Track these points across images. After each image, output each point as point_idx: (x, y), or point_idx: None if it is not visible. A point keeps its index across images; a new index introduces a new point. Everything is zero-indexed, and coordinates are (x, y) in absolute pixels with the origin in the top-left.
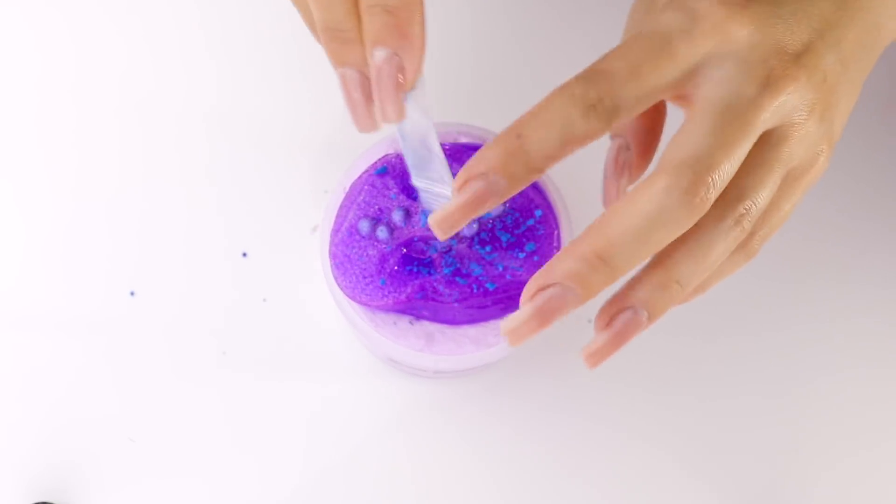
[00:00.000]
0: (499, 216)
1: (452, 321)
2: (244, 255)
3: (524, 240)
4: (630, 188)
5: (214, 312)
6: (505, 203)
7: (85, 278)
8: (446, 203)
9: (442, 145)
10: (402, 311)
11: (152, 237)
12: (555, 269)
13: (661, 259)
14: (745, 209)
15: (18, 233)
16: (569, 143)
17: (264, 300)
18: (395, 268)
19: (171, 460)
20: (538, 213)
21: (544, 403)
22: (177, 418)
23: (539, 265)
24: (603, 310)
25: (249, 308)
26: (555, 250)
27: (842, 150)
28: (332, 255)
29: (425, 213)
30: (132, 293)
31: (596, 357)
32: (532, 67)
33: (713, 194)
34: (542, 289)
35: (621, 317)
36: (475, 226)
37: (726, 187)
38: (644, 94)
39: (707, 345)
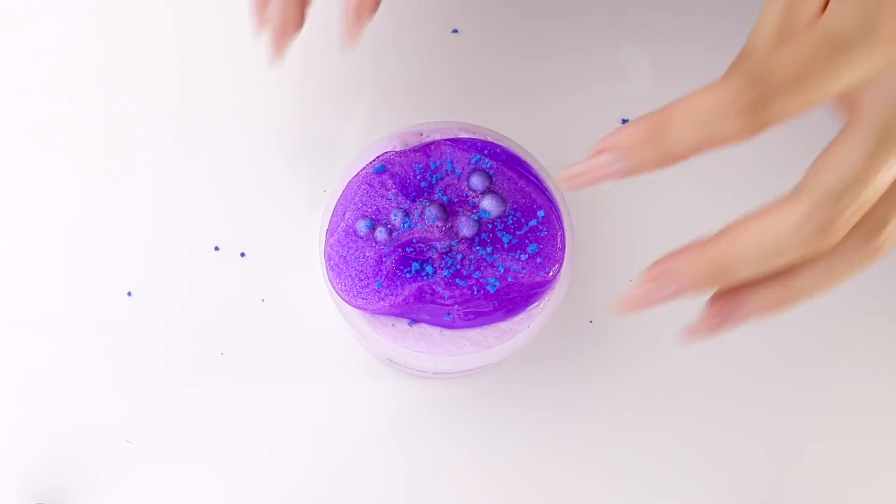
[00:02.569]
0: (500, 216)
1: (452, 325)
2: (243, 255)
3: (526, 241)
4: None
5: (212, 313)
6: (506, 203)
7: (82, 279)
8: (577, 164)
9: (443, 141)
10: (400, 315)
11: (149, 237)
12: (673, 264)
13: (786, 274)
14: (886, 237)
15: (16, 233)
16: (714, 142)
17: (263, 300)
18: (394, 270)
19: (169, 462)
20: (541, 213)
21: (544, 405)
22: (174, 419)
23: (542, 267)
24: (719, 298)
25: (248, 308)
26: (559, 252)
27: None
28: (328, 257)
29: (427, 214)
30: (129, 293)
31: (698, 334)
32: (529, 65)
33: (854, 222)
34: (657, 278)
35: (734, 312)
36: (475, 226)
37: (869, 210)
38: (809, 101)
39: (706, 345)
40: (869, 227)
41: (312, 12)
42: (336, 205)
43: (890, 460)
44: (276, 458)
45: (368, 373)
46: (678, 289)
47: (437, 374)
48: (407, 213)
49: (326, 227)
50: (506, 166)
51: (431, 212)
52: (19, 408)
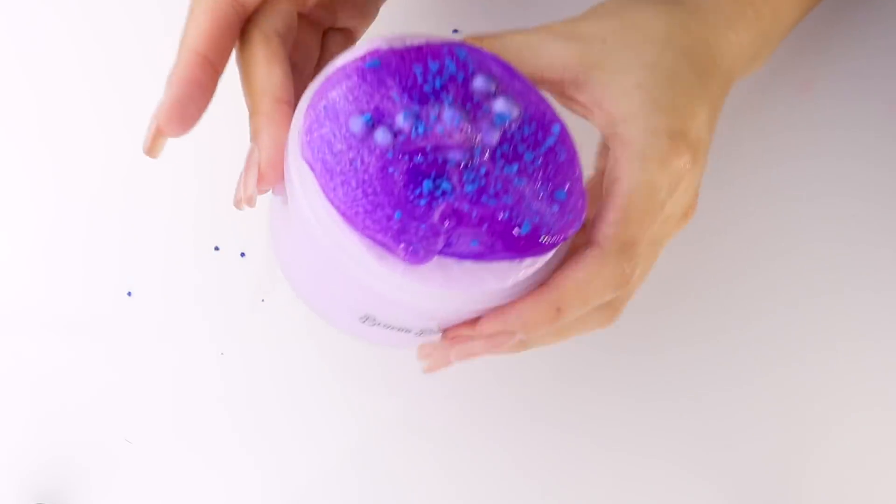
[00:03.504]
0: (515, 121)
1: (478, 254)
2: (243, 255)
3: (551, 175)
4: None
5: (213, 313)
6: (519, 106)
7: (82, 279)
8: (469, 330)
9: (438, 43)
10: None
11: (150, 237)
12: (515, 314)
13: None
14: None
15: (16, 233)
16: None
17: (263, 300)
18: (403, 188)
19: (169, 461)
20: (556, 128)
21: (542, 404)
22: (174, 419)
23: (570, 213)
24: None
25: (248, 308)
26: (581, 194)
27: (843, 150)
28: (310, 153)
29: (445, 116)
30: (129, 293)
31: (434, 361)
32: None
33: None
34: (501, 329)
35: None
36: (496, 133)
37: None
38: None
39: (706, 346)
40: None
41: None
42: (309, 107)
43: (891, 460)
44: (275, 457)
45: (369, 373)
46: (524, 337)
47: (422, 332)
48: (418, 116)
49: (299, 130)
50: (506, 74)
51: (451, 113)
52: (20, 407)
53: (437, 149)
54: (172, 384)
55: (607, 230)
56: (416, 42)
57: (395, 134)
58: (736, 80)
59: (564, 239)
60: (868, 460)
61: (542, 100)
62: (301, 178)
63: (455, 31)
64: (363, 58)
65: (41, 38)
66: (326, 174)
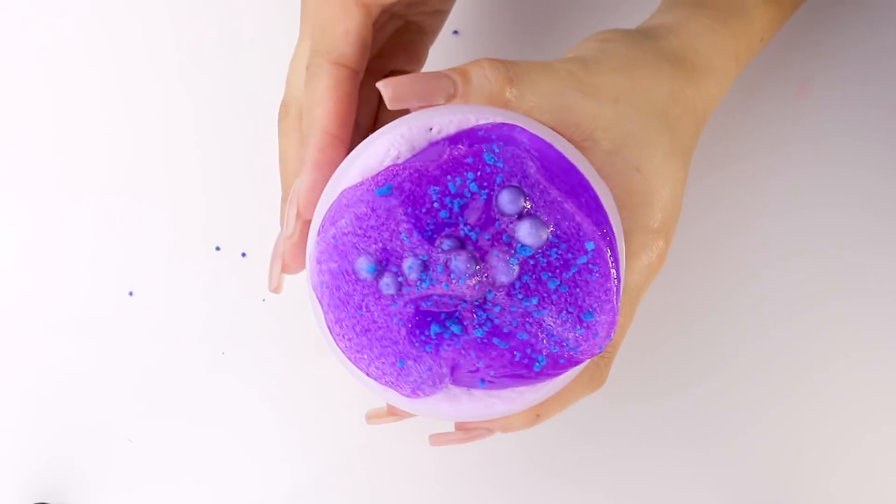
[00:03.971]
0: (541, 248)
1: (484, 387)
2: (243, 255)
3: (579, 299)
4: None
5: (214, 313)
6: (548, 226)
7: (84, 278)
8: (450, 433)
9: (459, 148)
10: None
11: (151, 237)
12: (502, 422)
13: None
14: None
15: (17, 233)
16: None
17: (264, 300)
18: (408, 336)
19: (170, 461)
20: (590, 245)
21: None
22: (175, 419)
23: (596, 335)
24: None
25: (249, 308)
26: (613, 312)
27: (842, 151)
28: (317, 290)
29: (454, 268)
30: (131, 293)
31: (443, 443)
32: None
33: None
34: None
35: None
36: (515, 269)
37: None
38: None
39: (706, 345)
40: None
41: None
42: (320, 231)
43: (890, 460)
44: (276, 457)
45: None
46: (499, 432)
47: None
48: (425, 266)
49: (314, 243)
50: (542, 168)
51: (459, 266)
52: (21, 407)
53: (447, 295)
54: (173, 384)
55: None
56: (437, 138)
57: (401, 284)
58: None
59: (590, 358)
60: (868, 460)
61: (584, 198)
62: (312, 298)
63: (455, 31)
64: (376, 179)
65: (42, 39)
66: (332, 313)
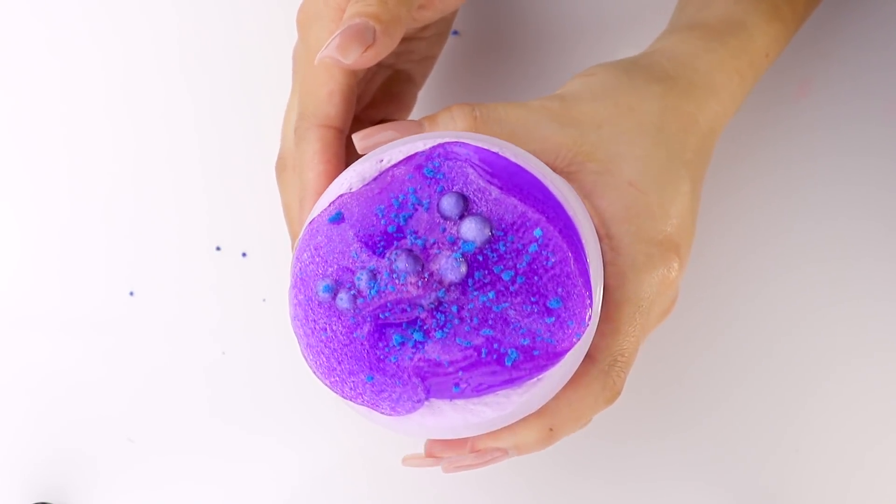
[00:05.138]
0: (487, 243)
1: (462, 394)
2: (244, 255)
3: (540, 287)
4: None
5: (214, 312)
6: (491, 224)
7: (84, 278)
8: (462, 455)
9: (396, 165)
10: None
11: (151, 237)
12: (511, 437)
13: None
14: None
15: (18, 233)
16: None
17: (264, 300)
18: (371, 347)
19: (171, 461)
20: (537, 232)
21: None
22: (176, 419)
23: (570, 321)
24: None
25: (249, 308)
26: (584, 295)
27: (841, 151)
28: (294, 325)
29: (395, 269)
30: (131, 293)
31: (454, 468)
32: (530, 66)
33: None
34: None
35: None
36: (462, 266)
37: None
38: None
39: (704, 345)
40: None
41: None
42: (292, 267)
43: (890, 460)
44: (276, 456)
45: None
46: (516, 455)
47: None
48: (374, 275)
49: (291, 283)
50: (486, 174)
51: (399, 265)
52: (22, 407)
53: (400, 301)
54: (174, 383)
55: (600, 342)
56: (386, 167)
57: (356, 297)
58: (714, 145)
59: (568, 348)
60: (867, 460)
61: (527, 191)
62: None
63: (455, 32)
64: (328, 210)
65: (46, 40)
66: (305, 342)
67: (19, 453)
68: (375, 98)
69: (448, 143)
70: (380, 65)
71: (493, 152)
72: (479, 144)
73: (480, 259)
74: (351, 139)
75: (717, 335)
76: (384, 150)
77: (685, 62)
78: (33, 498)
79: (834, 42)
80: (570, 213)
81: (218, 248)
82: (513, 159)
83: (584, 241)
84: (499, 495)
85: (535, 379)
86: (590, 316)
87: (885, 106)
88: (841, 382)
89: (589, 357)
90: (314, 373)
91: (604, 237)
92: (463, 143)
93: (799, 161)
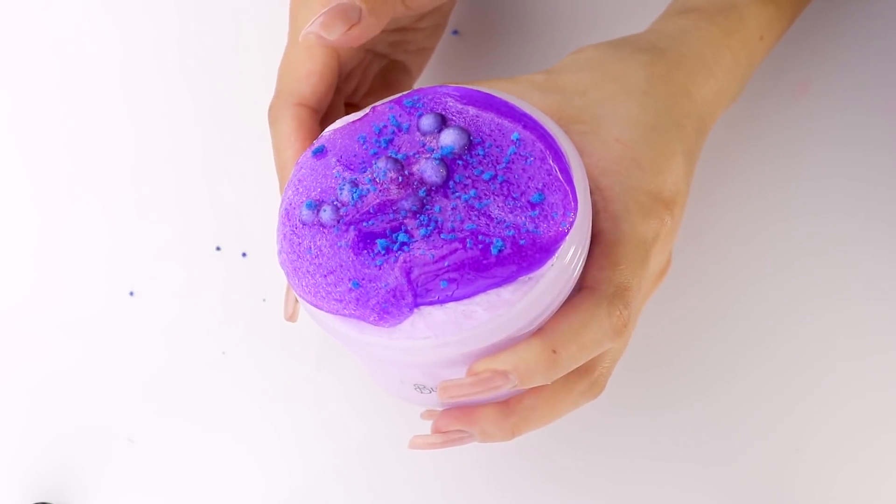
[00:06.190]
0: (466, 149)
1: (452, 295)
2: (244, 255)
3: (521, 184)
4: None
5: (214, 312)
6: (467, 132)
7: (84, 278)
8: (459, 378)
9: (380, 104)
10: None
11: (151, 237)
12: (512, 359)
13: (513, 406)
14: (603, 378)
15: (18, 233)
16: (593, 356)
17: (264, 300)
18: (357, 254)
19: (171, 461)
20: (514, 136)
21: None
22: (176, 419)
23: (556, 212)
24: (447, 418)
25: (249, 308)
26: (565, 186)
27: (841, 151)
28: (280, 260)
29: (376, 172)
30: (131, 293)
31: (423, 447)
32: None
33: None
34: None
35: (461, 439)
36: (442, 167)
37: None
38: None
39: (704, 345)
40: (590, 371)
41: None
42: (281, 198)
43: (889, 458)
44: (276, 456)
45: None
46: (518, 382)
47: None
48: (355, 184)
49: (277, 224)
50: (461, 103)
51: (380, 166)
52: (22, 407)
53: (383, 206)
54: (174, 383)
55: (598, 274)
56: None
57: (338, 208)
58: (713, 124)
59: (555, 240)
60: (868, 460)
61: (503, 110)
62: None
63: (455, 31)
64: (312, 147)
65: (46, 40)
66: (292, 269)
67: (19, 454)
68: (372, 86)
69: (431, 87)
70: (375, 54)
71: (471, 89)
72: (460, 84)
73: (460, 164)
74: (325, 121)
75: (714, 334)
76: (375, 105)
77: (675, 38)
78: (33, 498)
79: (834, 42)
80: (548, 128)
81: (218, 248)
82: (493, 94)
83: (563, 151)
84: (499, 497)
85: (526, 277)
86: (575, 210)
87: (884, 104)
88: (841, 381)
89: (588, 288)
90: (302, 298)
91: (594, 190)
92: (443, 85)
93: (798, 158)
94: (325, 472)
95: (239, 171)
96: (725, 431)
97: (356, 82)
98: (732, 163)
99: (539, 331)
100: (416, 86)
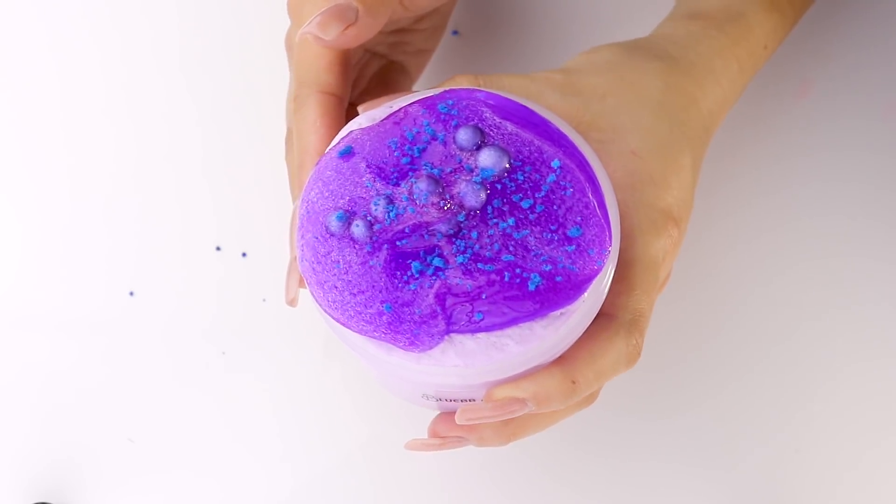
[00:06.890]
0: (506, 172)
1: (486, 326)
2: (244, 255)
3: (559, 217)
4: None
5: (214, 312)
6: (509, 154)
7: (84, 278)
8: (478, 403)
9: (411, 105)
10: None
11: (151, 237)
12: (534, 386)
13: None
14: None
15: (18, 233)
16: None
17: (264, 300)
18: (389, 275)
19: (171, 461)
20: (555, 163)
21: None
22: (176, 419)
23: (591, 249)
24: (442, 423)
25: (249, 308)
26: (601, 222)
27: (841, 151)
28: (301, 265)
29: (416, 192)
30: (132, 293)
31: (421, 449)
32: (530, 66)
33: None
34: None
35: (459, 441)
36: (482, 191)
37: None
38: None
39: (704, 346)
40: None
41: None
42: (298, 208)
43: (890, 459)
44: (277, 457)
45: (371, 372)
46: (535, 408)
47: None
48: (391, 200)
49: (296, 231)
50: (497, 115)
51: (421, 187)
52: (22, 407)
53: (418, 227)
54: (174, 384)
55: (616, 300)
56: (394, 108)
57: (372, 223)
58: (714, 132)
59: (591, 276)
60: (868, 460)
61: (543, 129)
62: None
63: (455, 31)
64: (337, 146)
65: (47, 40)
66: (315, 280)
67: (19, 454)
68: (370, 86)
69: (461, 89)
70: (374, 54)
71: (505, 97)
72: (491, 91)
73: (499, 188)
74: (350, 112)
75: (715, 337)
76: (393, 100)
77: (686, 45)
78: (33, 498)
79: (835, 44)
80: (584, 153)
81: (218, 248)
82: (525, 104)
83: (599, 180)
84: (499, 497)
85: (559, 312)
86: (610, 246)
87: (886, 106)
88: (842, 382)
89: (606, 315)
90: (325, 311)
91: None
92: (475, 89)
93: (799, 160)
94: (325, 473)
95: (239, 171)
96: (727, 434)
97: (352, 80)
98: (733, 165)
99: (559, 359)
100: (415, 86)
